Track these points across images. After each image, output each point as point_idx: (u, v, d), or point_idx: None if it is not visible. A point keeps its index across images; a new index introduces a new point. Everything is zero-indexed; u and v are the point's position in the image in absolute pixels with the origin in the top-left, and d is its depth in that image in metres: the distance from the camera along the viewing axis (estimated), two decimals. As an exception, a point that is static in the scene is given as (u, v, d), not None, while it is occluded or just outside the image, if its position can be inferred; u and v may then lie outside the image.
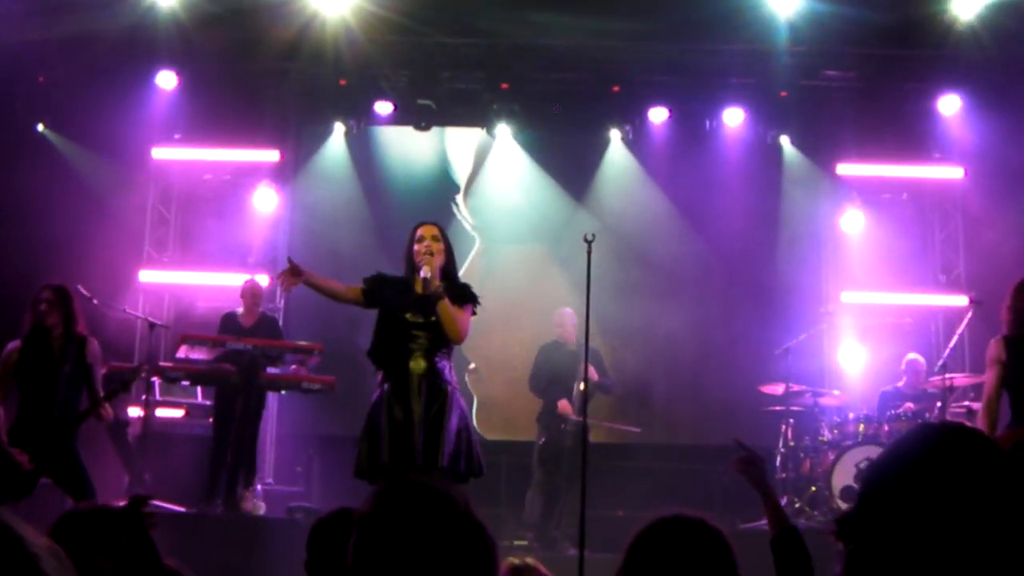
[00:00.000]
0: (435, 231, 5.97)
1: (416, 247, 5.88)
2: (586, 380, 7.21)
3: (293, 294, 11.33)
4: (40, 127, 11.17)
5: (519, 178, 11.73)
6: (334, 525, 3.56)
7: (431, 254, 5.82)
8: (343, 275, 6.67)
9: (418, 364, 5.73)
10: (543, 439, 9.30)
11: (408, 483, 1.98)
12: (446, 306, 5.69)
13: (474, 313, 5.95)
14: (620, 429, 10.51)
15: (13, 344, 6.89)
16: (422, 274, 5.71)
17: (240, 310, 9.14)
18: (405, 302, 5.80)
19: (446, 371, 5.83)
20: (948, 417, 8.63)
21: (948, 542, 1.60)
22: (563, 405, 9.16)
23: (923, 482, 1.65)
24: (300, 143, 11.82)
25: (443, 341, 5.79)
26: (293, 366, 8.95)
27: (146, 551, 3.04)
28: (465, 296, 5.93)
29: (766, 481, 3.59)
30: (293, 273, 5.87)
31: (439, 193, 11.57)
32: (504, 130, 11.31)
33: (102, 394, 6.90)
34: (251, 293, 9.23)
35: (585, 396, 6.96)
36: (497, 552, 1.99)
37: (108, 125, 10.68)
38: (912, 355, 9.80)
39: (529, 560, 3.64)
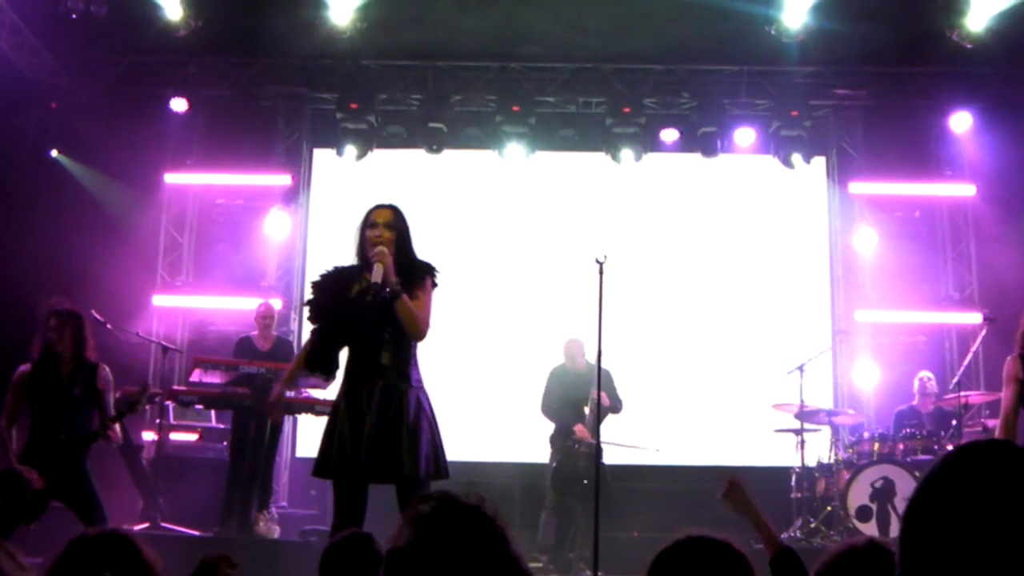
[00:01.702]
0: (388, 216, 5.30)
1: (367, 232, 5.28)
2: (598, 403, 7.19)
3: (304, 316, 11.44)
4: (54, 152, 11.23)
5: (532, 198, 11.72)
6: (346, 549, 3.56)
7: (380, 246, 5.14)
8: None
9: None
10: (556, 461, 9.26)
11: (442, 512, 1.91)
12: (403, 304, 5.05)
13: (435, 285, 5.27)
14: (635, 450, 10.45)
15: (24, 367, 6.90)
16: (373, 278, 5.03)
17: (255, 334, 9.17)
18: (347, 299, 5.23)
19: (406, 368, 5.16)
20: (963, 434, 8.60)
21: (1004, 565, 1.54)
22: (580, 430, 9.09)
23: (974, 503, 1.59)
24: (312, 167, 11.87)
25: (399, 336, 5.14)
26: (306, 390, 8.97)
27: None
28: (419, 275, 5.25)
29: (751, 505, 3.51)
30: (278, 405, 5.76)
31: (452, 212, 11.57)
32: (515, 152, 11.32)
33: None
34: (266, 317, 9.25)
35: (597, 418, 6.93)
36: None
37: (121, 150, 10.76)
38: (922, 373, 9.76)
39: (543, 582, 3.63)
